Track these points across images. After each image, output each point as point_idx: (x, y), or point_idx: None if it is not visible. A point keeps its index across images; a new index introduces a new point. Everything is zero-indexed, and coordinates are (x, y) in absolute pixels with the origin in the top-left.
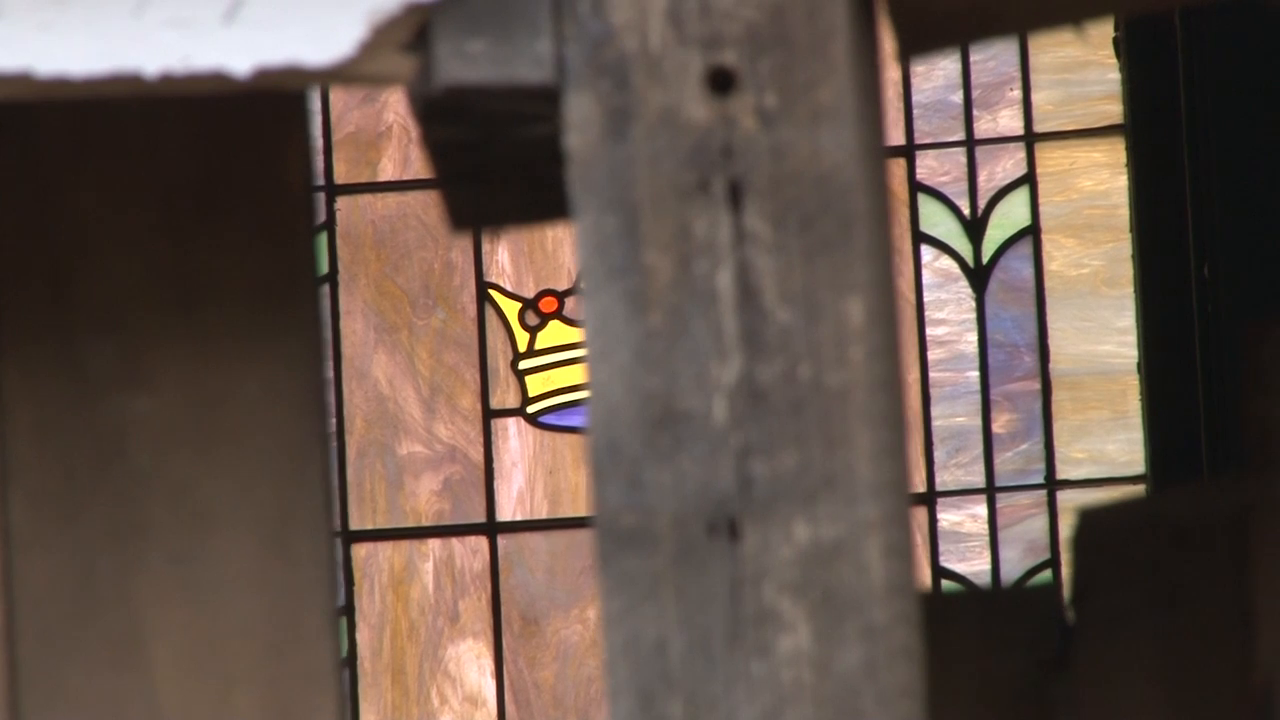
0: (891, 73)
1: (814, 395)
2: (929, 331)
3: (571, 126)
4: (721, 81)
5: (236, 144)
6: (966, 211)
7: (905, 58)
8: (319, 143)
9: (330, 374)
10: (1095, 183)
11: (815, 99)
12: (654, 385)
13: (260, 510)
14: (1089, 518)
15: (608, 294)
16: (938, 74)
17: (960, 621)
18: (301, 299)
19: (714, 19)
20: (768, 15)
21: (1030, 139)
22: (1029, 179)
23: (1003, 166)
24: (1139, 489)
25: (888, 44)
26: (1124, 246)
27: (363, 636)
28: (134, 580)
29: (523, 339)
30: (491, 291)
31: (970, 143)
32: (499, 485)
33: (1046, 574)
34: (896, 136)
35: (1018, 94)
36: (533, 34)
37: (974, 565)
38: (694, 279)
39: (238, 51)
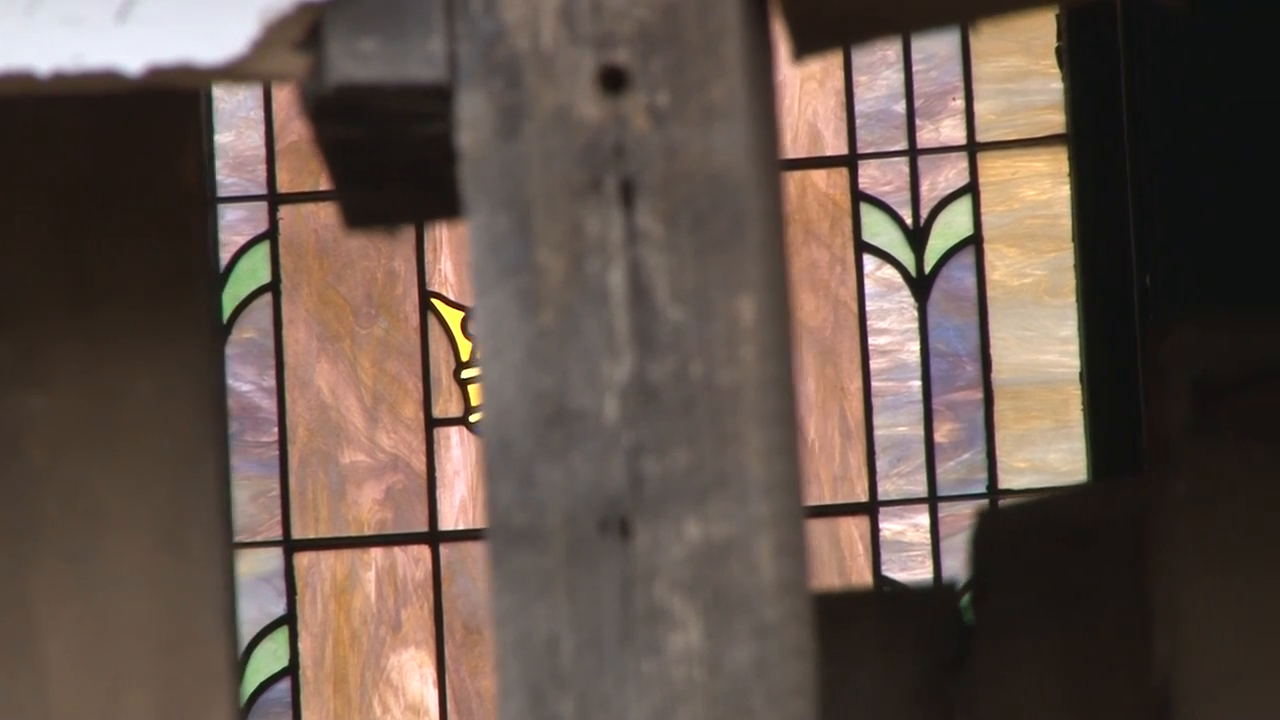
0: (834, 81)
1: (705, 394)
2: (871, 341)
3: (464, 125)
4: (614, 80)
5: (130, 142)
6: (909, 221)
7: (798, 57)
8: (263, 152)
9: (273, 383)
10: (1038, 192)
11: (707, 98)
12: (546, 384)
13: (155, 509)
14: (987, 519)
15: (500, 293)
16: (881, 84)
17: (860, 621)
18: (197, 297)
19: (606, 18)
20: (660, 14)
21: (973, 149)
22: (971, 189)
23: (945, 176)
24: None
25: (781, 44)
26: (1066, 256)
27: (305, 645)
28: (27, 578)
29: (465, 348)
30: (434, 300)
31: (913, 152)
32: (441, 494)
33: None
34: (839, 146)
35: (960, 104)
36: (425, 32)
37: (916, 575)
38: (586, 278)
39: (130, 50)
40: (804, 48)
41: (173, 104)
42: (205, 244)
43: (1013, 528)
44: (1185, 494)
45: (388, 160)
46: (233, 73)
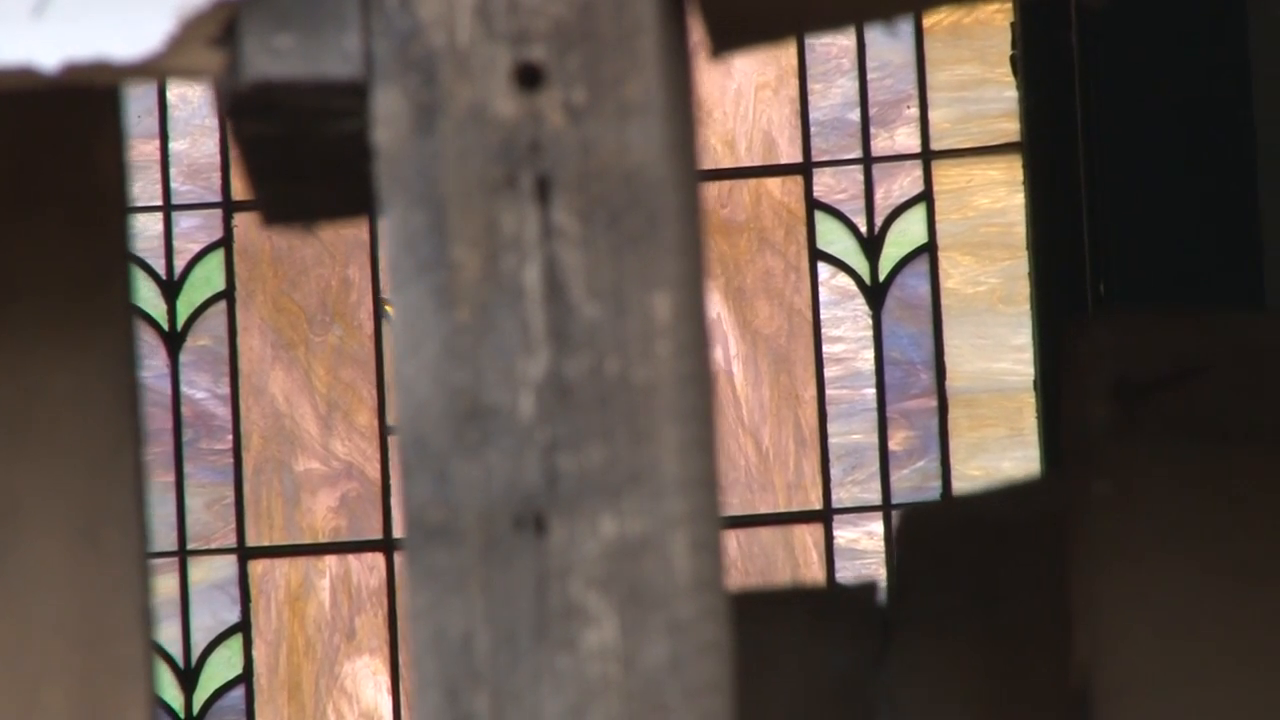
0: (789, 89)
1: (621, 390)
2: (826, 349)
3: (379, 122)
4: (529, 77)
5: (47, 138)
6: (863, 229)
7: (716, 54)
8: (217, 159)
9: (228, 390)
10: (992, 200)
11: (623, 94)
12: (461, 380)
13: (71, 506)
14: (911, 517)
15: (415, 289)
16: (835, 92)
17: (782, 619)
18: (114, 295)
19: (522, 15)
20: (576, 11)
21: (927, 157)
22: (926, 197)
23: (900, 184)
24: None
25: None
26: (1020, 264)
27: (259, 653)
28: None
29: None
30: (389, 308)
31: (867, 160)
32: (396, 502)
33: None
34: (794, 154)
35: (915, 112)
36: (340, 29)
37: None
38: (501, 274)
39: (45, 46)
40: (721, 45)
41: (90, 100)
42: (124, 241)
43: (936, 526)
44: (1105, 493)
45: (304, 157)
46: (149, 69)
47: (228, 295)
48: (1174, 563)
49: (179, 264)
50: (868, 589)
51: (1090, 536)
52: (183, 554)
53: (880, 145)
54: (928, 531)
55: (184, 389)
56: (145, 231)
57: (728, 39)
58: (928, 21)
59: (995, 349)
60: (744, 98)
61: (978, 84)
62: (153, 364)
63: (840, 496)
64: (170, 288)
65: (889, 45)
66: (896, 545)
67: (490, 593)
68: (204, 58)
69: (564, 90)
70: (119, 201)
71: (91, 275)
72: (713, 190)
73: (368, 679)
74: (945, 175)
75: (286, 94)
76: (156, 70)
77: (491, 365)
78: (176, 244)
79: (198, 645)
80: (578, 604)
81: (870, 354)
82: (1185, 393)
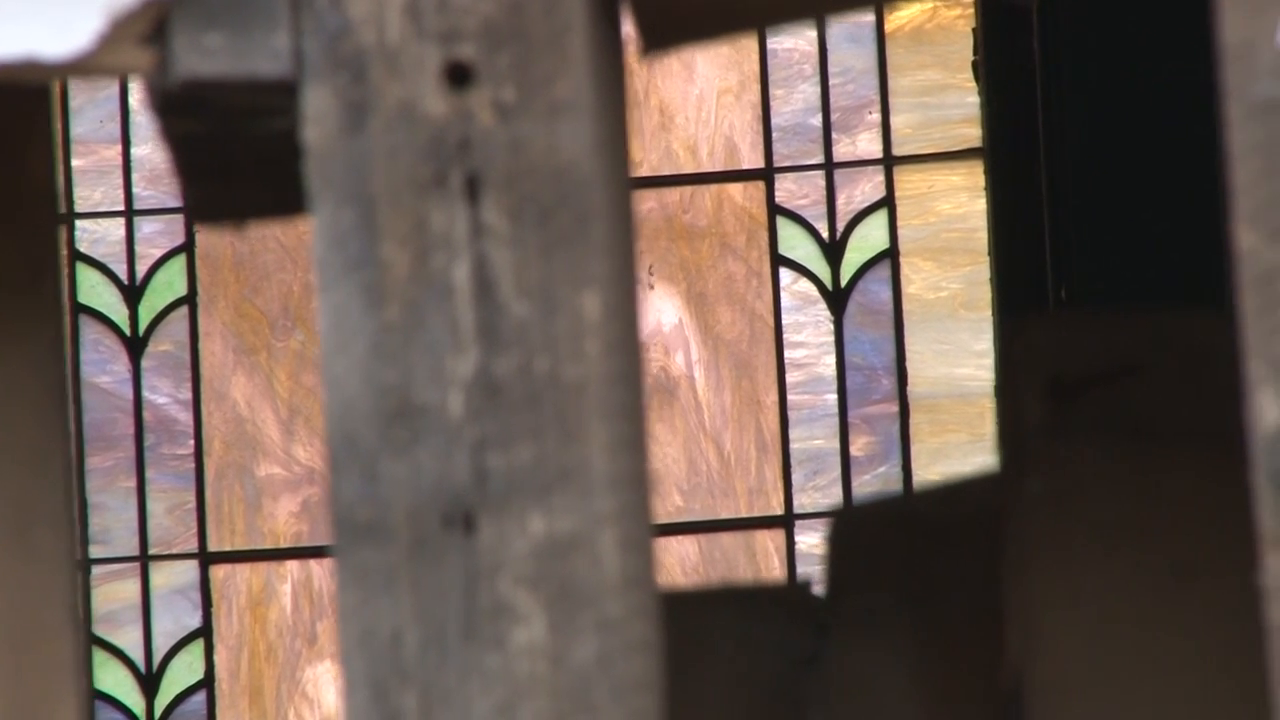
0: (750, 95)
1: (550, 389)
2: (787, 354)
3: (309, 120)
4: (459, 75)
5: None
6: (825, 234)
7: (647, 53)
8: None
9: (189, 395)
10: (953, 206)
11: (553, 93)
12: (390, 378)
13: (1, 506)
14: (845, 517)
15: (345, 287)
16: (797, 97)
17: (716, 619)
18: (43, 295)
19: (452, 13)
20: (505, 9)
21: (889, 162)
22: (887, 202)
23: (861, 190)
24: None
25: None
26: (982, 270)
27: (220, 658)
28: None
29: None
30: None
31: (829, 166)
32: None
33: None
34: (755, 160)
35: (877, 117)
36: (270, 27)
37: None
38: (431, 272)
39: None
40: (653, 44)
41: (21, 99)
42: (55, 241)
43: (869, 525)
44: (1039, 492)
45: (234, 155)
46: (79, 68)
47: (190, 300)
48: (1106, 561)
49: (141, 269)
50: (801, 588)
51: (1023, 535)
52: (144, 559)
53: (842, 151)
54: (861, 531)
55: (146, 394)
56: (107, 236)
57: (659, 38)
58: (890, 27)
59: (957, 354)
60: (706, 103)
61: (939, 89)
62: (114, 369)
63: (802, 502)
64: (132, 293)
65: (851, 51)
66: (830, 545)
67: (419, 591)
68: (134, 56)
69: (493, 89)
70: (49, 200)
71: (22, 274)
72: (674, 196)
73: (329, 684)
74: (907, 181)
75: (216, 92)
76: (87, 69)
77: (421, 364)
78: (138, 249)
79: (159, 650)
80: (506, 602)
81: (832, 359)
82: (1118, 392)
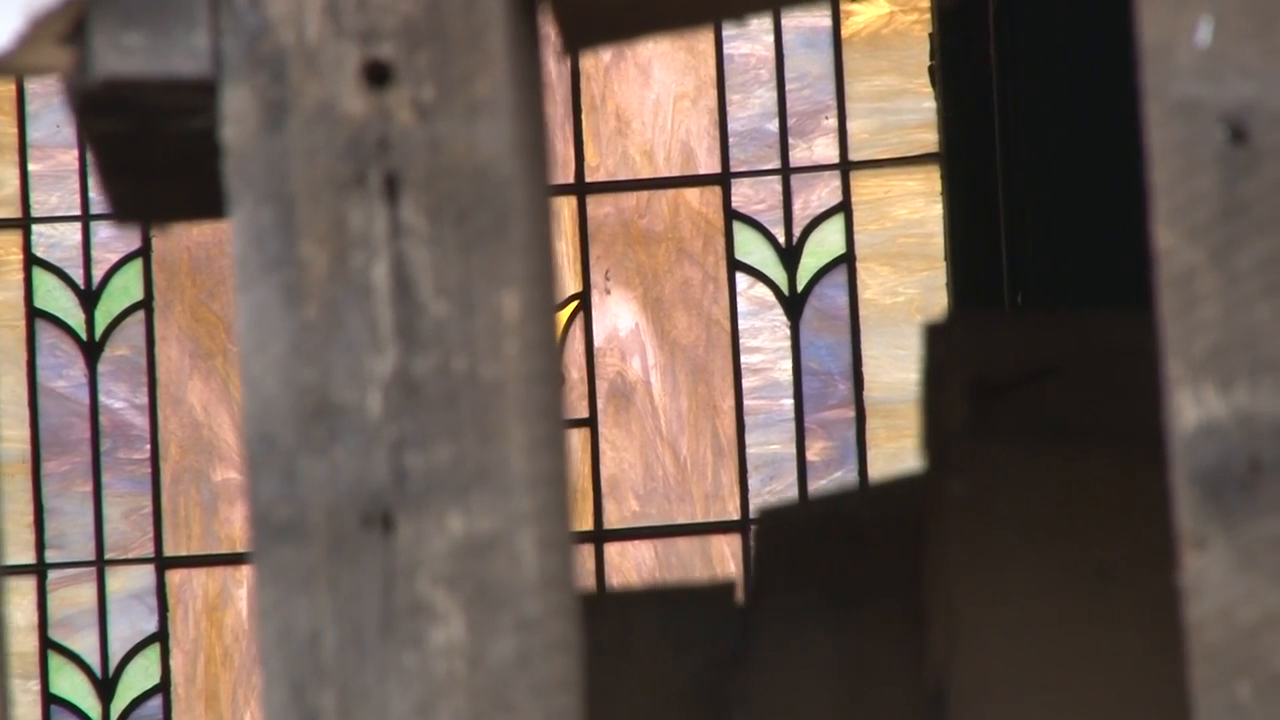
0: (707, 100)
1: (469, 388)
2: (744, 359)
3: (228, 119)
4: (378, 74)
5: None
6: (782, 240)
7: (568, 52)
8: None
9: (146, 400)
10: (910, 211)
11: (471, 92)
12: (309, 378)
13: None
14: (769, 517)
15: (264, 286)
16: (754, 102)
17: (639, 619)
18: None
19: (371, 12)
20: (424, 8)
21: (845, 167)
22: (844, 207)
23: (818, 195)
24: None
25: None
26: (938, 275)
27: (177, 662)
28: None
29: None
30: None
31: (786, 171)
32: None
33: None
34: (712, 165)
35: (833, 123)
36: (189, 27)
37: None
38: (350, 272)
39: None
40: (573, 43)
41: None
42: None
43: (794, 525)
44: (961, 492)
45: (155, 154)
46: None
47: (146, 305)
48: (1028, 561)
49: (97, 274)
50: (725, 588)
51: (946, 536)
52: (100, 564)
53: (798, 156)
54: (786, 531)
55: (102, 399)
56: (64, 241)
57: (578, 37)
58: (846, 32)
59: (913, 359)
60: (662, 108)
61: (896, 95)
62: (71, 374)
63: (758, 507)
64: (88, 297)
65: (808, 56)
66: (755, 544)
67: (337, 590)
68: (53, 55)
69: (413, 88)
70: None
71: None
72: (631, 200)
73: None
74: (863, 186)
75: (136, 91)
76: (5, 68)
77: (339, 363)
78: (95, 254)
79: (115, 655)
80: (425, 602)
81: (788, 364)
82: (1040, 393)
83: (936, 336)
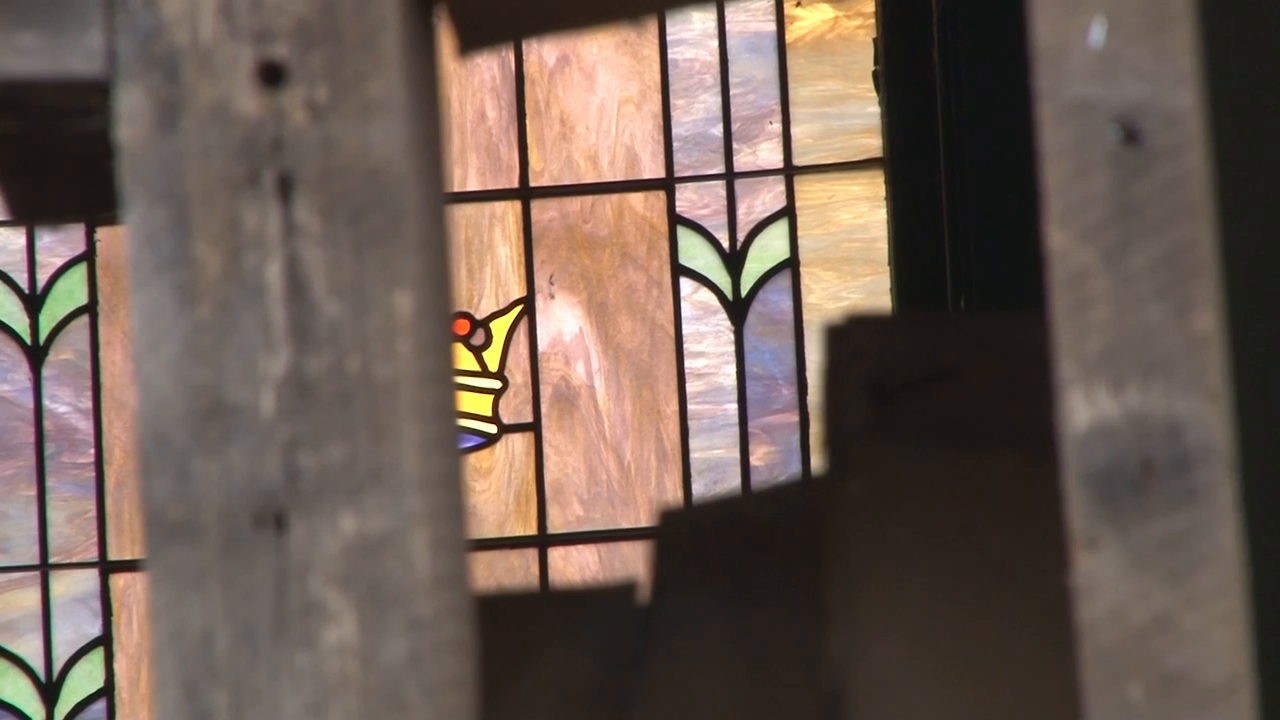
0: (651, 105)
1: (362, 388)
2: (688, 364)
3: (122, 119)
4: (272, 75)
5: None
6: (726, 244)
7: (464, 53)
8: None
9: (90, 404)
10: (854, 216)
11: (365, 93)
12: (203, 377)
13: None
14: (669, 518)
15: (157, 286)
16: (698, 107)
17: (539, 620)
18: None
19: (265, 12)
20: (318, 9)
21: (790, 172)
22: (788, 212)
23: (762, 199)
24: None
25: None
26: (882, 280)
27: (121, 666)
28: None
29: None
30: None
31: (730, 176)
32: None
33: None
34: (656, 169)
35: (778, 127)
36: (84, 26)
37: None
38: (243, 272)
39: None
40: (469, 44)
41: None
42: None
43: (694, 526)
44: (860, 494)
45: (50, 154)
46: None
47: (90, 309)
48: (926, 563)
49: (41, 278)
50: (626, 589)
51: (844, 537)
52: (44, 568)
53: (743, 161)
54: (685, 532)
55: (46, 403)
56: (7, 245)
57: (475, 38)
58: (791, 37)
59: None
60: (607, 113)
61: (840, 100)
62: (15, 378)
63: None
64: (32, 301)
65: (751, 61)
66: (655, 545)
67: (230, 590)
68: None
69: (306, 88)
70: None
71: None
72: (575, 205)
73: None
74: (807, 191)
75: (29, 91)
76: None
77: (233, 363)
78: (39, 258)
79: (59, 659)
80: (317, 601)
81: (732, 369)
82: (939, 394)
83: (835, 338)
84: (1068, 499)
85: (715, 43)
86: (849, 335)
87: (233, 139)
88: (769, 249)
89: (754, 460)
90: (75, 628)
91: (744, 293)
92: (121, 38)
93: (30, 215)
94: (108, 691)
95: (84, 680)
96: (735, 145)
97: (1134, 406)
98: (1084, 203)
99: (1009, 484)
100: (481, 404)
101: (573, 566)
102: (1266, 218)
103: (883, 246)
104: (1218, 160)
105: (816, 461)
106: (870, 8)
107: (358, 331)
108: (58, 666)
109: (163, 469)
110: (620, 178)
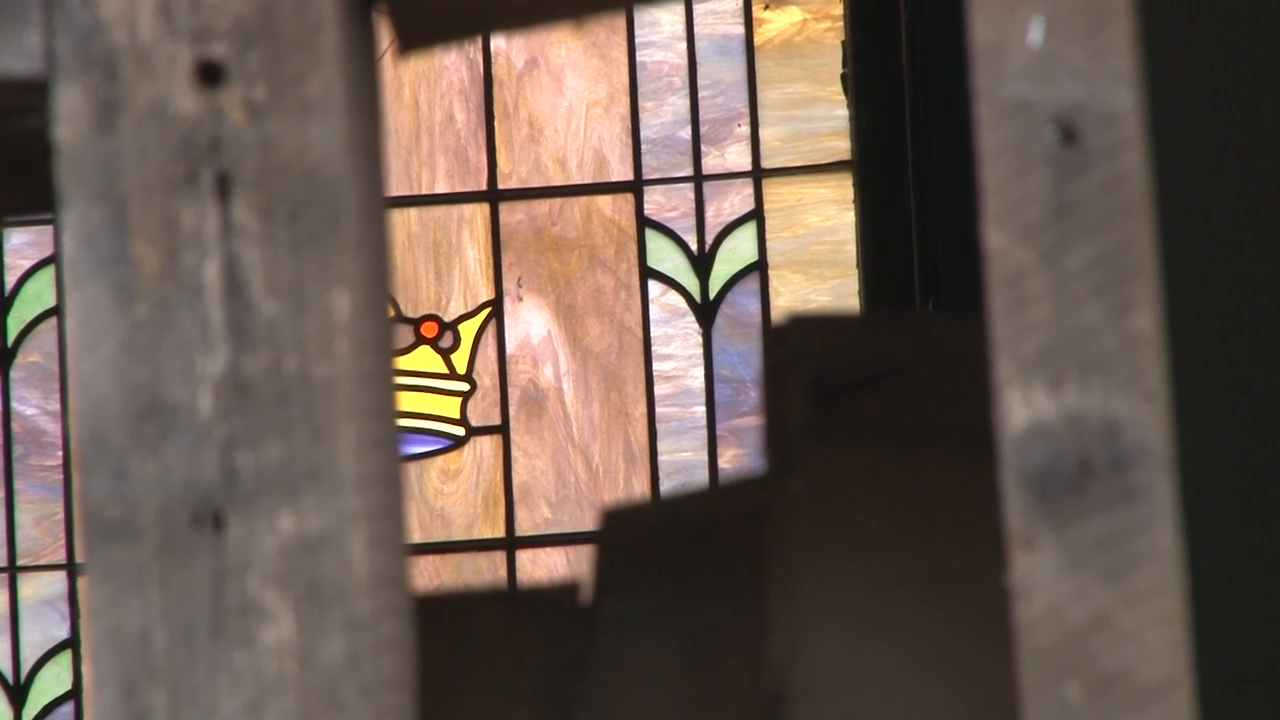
0: (620, 107)
1: (300, 387)
2: (656, 367)
3: (60, 119)
4: (210, 74)
5: None
6: (694, 247)
7: (405, 52)
8: None
9: (58, 407)
10: (822, 219)
11: (303, 92)
12: (141, 377)
13: None
14: (611, 516)
15: (95, 286)
16: (666, 110)
17: (482, 620)
18: None
19: (203, 12)
20: (257, 8)
21: (758, 175)
22: (756, 215)
23: (730, 202)
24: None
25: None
26: (850, 282)
27: (88, 669)
28: None
29: None
30: None
31: (698, 178)
32: None
33: None
34: (625, 172)
35: (746, 130)
36: (21, 26)
37: None
38: (181, 271)
39: None
40: (409, 44)
41: None
42: None
43: (636, 525)
44: (802, 494)
45: None
46: None
47: (58, 311)
48: (868, 563)
49: (10, 280)
50: (568, 589)
51: (785, 537)
52: (13, 570)
53: (711, 163)
54: (628, 531)
55: (14, 405)
56: None
57: (415, 38)
58: (759, 40)
59: None
60: (575, 115)
61: (809, 102)
62: None
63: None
64: (1, 304)
65: (720, 64)
66: (597, 545)
67: (168, 590)
68: None
69: (245, 88)
70: None
71: None
72: (544, 208)
73: None
74: (776, 193)
75: None
76: None
77: (171, 362)
78: (8, 260)
79: (27, 661)
80: (255, 601)
81: (700, 372)
82: (881, 394)
83: (776, 337)
84: (1005, 499)
85: (684, 45)
86: (789, 335)
87: (171, 138)
88: (737, 251)
89: (722, 462)
90: (43, 630)
91: (712, 295)
92: (60, 37)
93: None
94: (75, 694)
95: (52, 682)
96: (704, 148)
97: (1071, 406)
98: (1022, 202)
99: (950, 483)
100: (449, 406)
101: (541, 569)
102: (1205, 218)
103: (851, 249)
104: (1156, 160)
105: None
106: (839, 10)
107: (296, 331)
108: (25, 669)
109: (100, 468)
110: (589, 180)
